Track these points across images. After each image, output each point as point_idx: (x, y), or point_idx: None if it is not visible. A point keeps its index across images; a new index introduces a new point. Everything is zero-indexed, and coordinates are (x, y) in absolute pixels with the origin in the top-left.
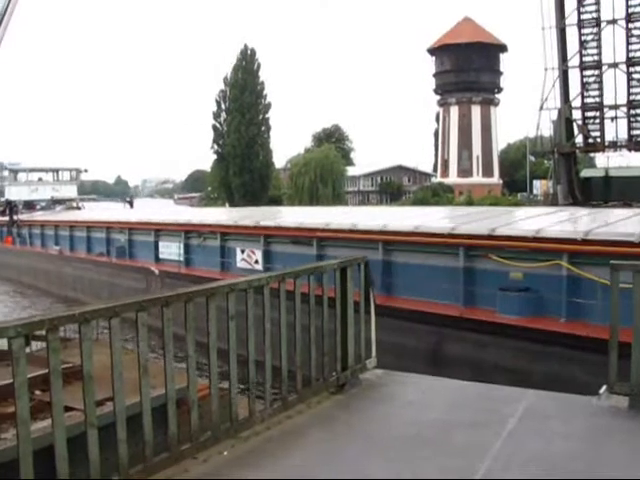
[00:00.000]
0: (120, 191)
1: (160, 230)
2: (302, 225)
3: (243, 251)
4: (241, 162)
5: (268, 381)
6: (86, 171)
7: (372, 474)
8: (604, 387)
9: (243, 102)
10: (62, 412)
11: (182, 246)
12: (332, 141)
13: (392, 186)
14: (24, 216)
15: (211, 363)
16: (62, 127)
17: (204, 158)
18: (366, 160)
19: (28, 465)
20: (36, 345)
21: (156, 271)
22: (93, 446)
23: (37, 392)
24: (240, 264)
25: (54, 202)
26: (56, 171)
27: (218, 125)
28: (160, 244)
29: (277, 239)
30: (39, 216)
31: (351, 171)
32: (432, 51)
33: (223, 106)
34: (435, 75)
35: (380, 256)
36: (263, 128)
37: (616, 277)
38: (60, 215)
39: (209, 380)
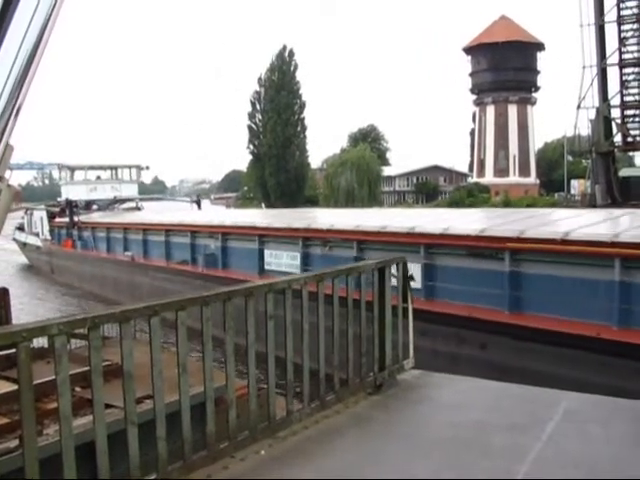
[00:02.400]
0: (158, 191)
1: (265, 236)
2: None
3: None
4: (277, 162)
5: (306, 380)
6: (147, 168)
7: (412, 475)
8: None
9: (279, 102)
10: (103, 409)
11: (301, 256)
12: (368, 141)
13: (428, 186)
14: (83, 217)
15: (249, 362)
16: (98, 128)
17: (240, 158)
18: (402, 160)
19: (70, 460)
20: (75, 343)
21: None
22: (133, 443)
23: (77, 389)
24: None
25: (113, 202)
26: (115, 169)
27: (253, 125)
28: (266, 252)
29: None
30: (100, 217)
31: (387, 171)
32: (468, 50)
33: (258, 106)
34: (471, 74)
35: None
36: (299, 128)
37: None
38: (125, 217)
39: (247, 379)
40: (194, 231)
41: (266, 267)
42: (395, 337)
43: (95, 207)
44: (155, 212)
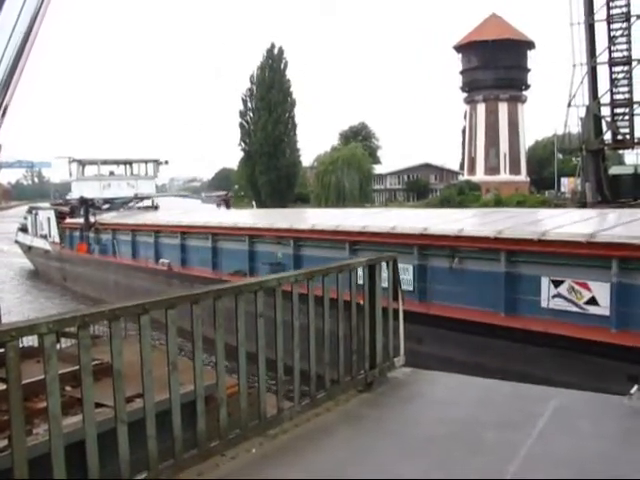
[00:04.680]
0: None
1: (358, 242)
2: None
3: (558, 284)
4: (268, 160)
5: (296, 378)
6: (167, 163)
7: (402, 472)
8: (635, 387)
9: (270, 100)
10: (93, 408)
11: (415, 269)
12: (359, 139)
13: (419, 184)
14: (99, 217)
15: (240, 360)
16: (90, 127)
17: (232, 156)
18: (393, 158)
19: (60, 459)
20: (65, 342)
21: None
22: (123, 442)
23: (68, 388)
24: (552, 303)
25: (129, 201)
26: (130, 163)
27: (245, 123)
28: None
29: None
30: (119, 218)
31: (378, 169)
32: (459, 48)
33: (250, 104)
34: (462, 72)
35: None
36: (290, 126)
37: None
38: (147, 217)
39: (238, 377)
40: (252, 235)
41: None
42: (385, 335)
43: (106, 206)
44: (182, 211)
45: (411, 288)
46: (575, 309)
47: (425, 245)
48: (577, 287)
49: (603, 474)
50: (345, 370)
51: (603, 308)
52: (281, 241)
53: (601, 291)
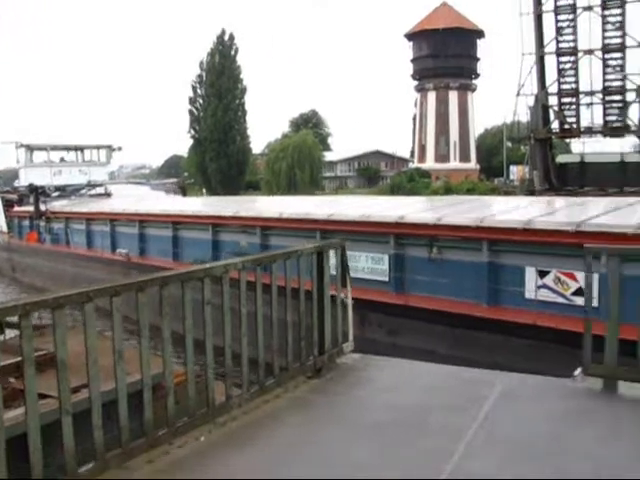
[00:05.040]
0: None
1: (329, 231)
2: None
3: (544, 274)
4: (218, 147)
5: (245, 366)
6: (120, 149)
7: (350, 457)
8: (579, 369)
9: (220, 87)
10: (35, 399)
11: (391, 258)
12: (309, 126)
13: (369, 171)
14: (51, 206)
15: (187, 348)
16: (33, 111)
17: (181, 143)
18: (344, 145)
19: (1, 453)
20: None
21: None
22: (68, 433)
23: (11, 379)
24: (540, 294)
25: (80, 188)
26: (82, 149)
27: (194, 110)
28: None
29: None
30: (72, 206)
31: (329, 156)
32: (410, 36)
33: (199, 91)
34: (413, 61)
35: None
36: (240, 113)
37: (589, 261)
38: (102, 205)
39: (185, 365)
40: (217, 224)
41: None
42: (334, 321)
43: (57, 194)
44: (137, 199)
45: (386, 279)
46: (562, 300)
47: (402, 234)
48: (563, 277)
49: (547, 453)
50: (294, 357)
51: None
52: (247, 230)
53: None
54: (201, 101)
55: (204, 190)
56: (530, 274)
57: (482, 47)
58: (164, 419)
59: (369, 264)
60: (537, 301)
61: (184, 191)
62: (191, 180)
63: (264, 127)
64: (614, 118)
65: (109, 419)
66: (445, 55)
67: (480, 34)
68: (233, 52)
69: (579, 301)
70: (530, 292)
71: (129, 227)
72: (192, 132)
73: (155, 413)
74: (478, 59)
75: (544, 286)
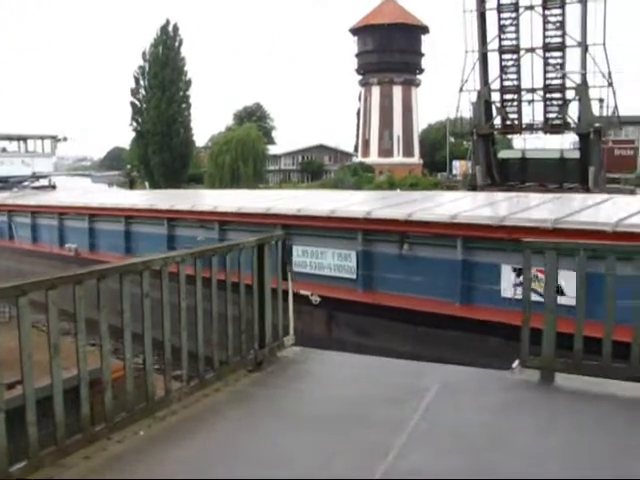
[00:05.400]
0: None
1: (292, 226)
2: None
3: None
4: (161, 140)
5: (184, 359)
6: (65, 140)
7: (290, 450)
8: (517, 361)
9: (164, 78)
10: None
11: (359, 255)
12: (253, 119)
13: (313, 165)
14: None
15: (125, 342)
16: None
17: (123, 135)
18: (288, 139)
19: None
20: None
21: (315, 299)
22: (0, 430)
23: None
24: (513, 292)
25: (22, 180)
26: (24, 139)
27: (137, 102)
28: (295, 250)
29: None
30: (14, 199)
31: (272, 150)
32: (355, 31)
33: (142, 82)
34: (357, 55)
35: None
36: (184, 105)
37: (528, 255)
38: (48, 198)
39: (123, 359)
40: (173, 218)
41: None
42: (275, 314)
43: None
44: (84, 192)
45: (354, 276)
46: (539, 299)
47: (370, 230)
48: (541, 276)
49: (486, 444)
50: (234, 350)
51: (569, 298)
52: (204, 224)
53: (568, 280)
54: (144, 92)
55: (147, 183)
56: (506, 272)
57: (426, 43)
58: (103, 415)
59: (336, 261)
60: (514, 300)
61: (132, 184)
62: (133, 173)
63: (208, 120)
64: (554, 115)
65: (45, 416)
66: (389, 50)
67: (424, 30)
68: (177, 43)
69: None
70: (506, 290)
71: (78, 221)
72: (134, 124)
73: (94, 409)
74: (422, 55)
75: (521, 284)
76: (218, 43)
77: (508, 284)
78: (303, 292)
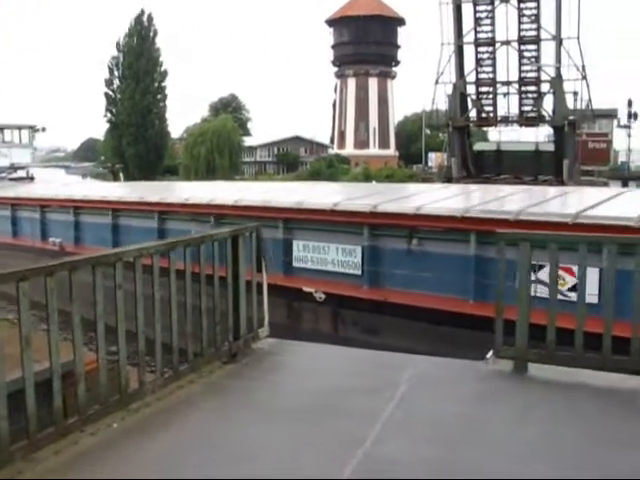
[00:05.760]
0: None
1: (293, 220)
2: None
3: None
4: (135, 131)
5: (158, 351)
6: (44, 130)
7: (264, 441)
8: (491, 352)
9: (138, 69)
10: None
11: (365, 251)
12: (229, 111)
13: (289, 157)
14: None
15: (98, 334)
16: None
17: (97, 126)
18: (264, 131)
19: None
20: None
21: (320, 296)
22: None
23: None
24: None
25: (4, 170)
26: (1, 129)
27: (111, 92)
28: (295, 244)
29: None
30: None
31: (248, 141)
32: (331, 22)
33: (116, 73)
34: (333, 47)
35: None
36: (159, 96)
37: (502, 247)
38: (28, 190)
39: (97, 351)
40: (164, 211)
41: (297, 265)
42: (249, 306)
43: None
44: (63, 183)
45: (359, 272)
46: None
47: (377, 224)
48: (560, 272)
49: (461, 433)
50: (209, 342)
51: (590, 296)
52: (198, 218)
53: (588, 277)
54: (118, 83)
55: (121, 175)
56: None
57: (403, 35)
58: (76, 407)
59: (340, 256)
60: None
61: (115, 176)
62: (107, 164)
63: (183, 111)
64: (529, 108)
65: (17, 410)
66: (365, 42)
67: (401, 22)
68: (152, 34)
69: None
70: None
71: (62, 214)
72: (109, 115)
73: (66, 402)
74: (398, 47)
75: (539, 281)
76: (194, 34)
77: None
78: (306, 289)
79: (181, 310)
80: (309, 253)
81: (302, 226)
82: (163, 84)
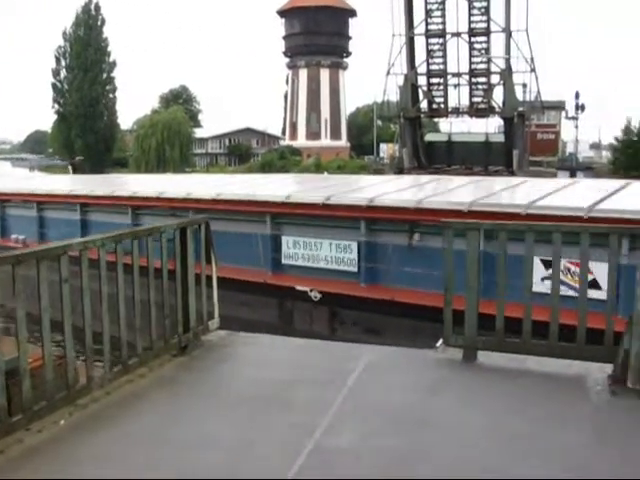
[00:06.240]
0: None
1: (282, 215)
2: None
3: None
4: (84, 122)
5: (106, 346)
6: None
7: (215, 432)
8: (440, 340)
9: (86, 59)
10: None
11: (362, 247)
12: (179, 102)
13: (240, 149)
14: None
15: (43, 329)
16: None
17: (44, 118)
18: (215, 122)
19: None
20: None
21: (315, 295)
22: None
23: None
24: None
25: None
26: None
27: (58, 83)
28: (284, 240)
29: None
30: None
31: (199, 133)
32: (282, 13)
33: (64, 63)
34: (285, 38)
35: None
36: (108, 87)
37: (449, 235)
38: None
39: (42, 346)
40: (138, 206)
41: (286, 262)
42: (199, 299)
43: None
44: (23, 177)
45: (355, 269)
46: (572, 293)
47: (374, 219)
48: (574, 268)
49: (411, 421)
50: (158, 335)
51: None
52: (176, 213)
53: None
54: (65, 73)
55: (70, 167)
56: (536, 265)
57: (354, 26)
58: (20, 405)
59: (334, 252)
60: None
61: (74, 168)
62: (55, 157)
63: (133, 103)
64: (480, 99)
65: None
66: (317, 33)
67: (352, 13)
68: (100, 23)
69: (594, 294)
70: (537, 284)
71: (25, 209)
72: (56, 106)
73: (11, 399)
74: (350, 38)
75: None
76: (143, 24)
77: (537, 278)
78: (300, 288)
79: (130, 304)
80: (300, 250)
81: (292, 221)
82: (112, 74)
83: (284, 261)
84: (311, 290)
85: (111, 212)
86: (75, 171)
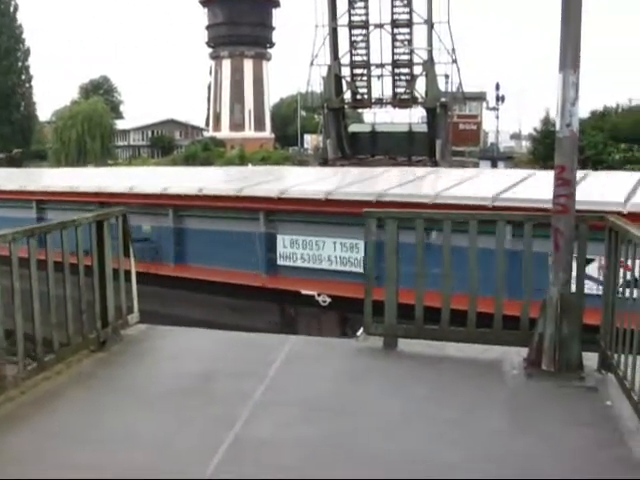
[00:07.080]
0: None
1: (276, 212)
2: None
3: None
4: None
5: (20, 343)
6: None
7: (135, 427)
8: (361, 329)
9: None
10: None
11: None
12: (100, 93)
13: (163, 140)
14: None
15: None
16: None
17: None
18: (137, 113)
19: None
20: None
21: (324, 299)
22: None
23: None
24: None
25: None
26: None
27: None
28: (281, 239)
29: None
30: None
31: (121, 124)
32: (205, 3)
33: None
34: (208, 28)
35: None
36: (23, 77)
37: (370, 224)
38: None
39: None
40: (106, 202)
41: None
42: (117, 293)
43: None
44: None
45: (361, 270)
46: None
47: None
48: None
49: (332, 410)
50: (76, 331)
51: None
52: (155, 211)
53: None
54: None
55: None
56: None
57: (278, 17)
58: None
59: (338, 252)
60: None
61: (13, 162)
62: (19, 150)
63: (52, 93)
64: (403, 90)
65: None
66: (240, 23)
67: (276, 3)
68: (12, 8)
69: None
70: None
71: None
72: None
73: None
74: (273, 28)
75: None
76: (62, 14)
77: None
78: (306, 292)
79: (45, 299)
80: (299, 249)
81: (288, 218)
82: (27, 63)
83: (280, 262)
84: (319, 294)
85: (72, 209)
86: (13, 165)
